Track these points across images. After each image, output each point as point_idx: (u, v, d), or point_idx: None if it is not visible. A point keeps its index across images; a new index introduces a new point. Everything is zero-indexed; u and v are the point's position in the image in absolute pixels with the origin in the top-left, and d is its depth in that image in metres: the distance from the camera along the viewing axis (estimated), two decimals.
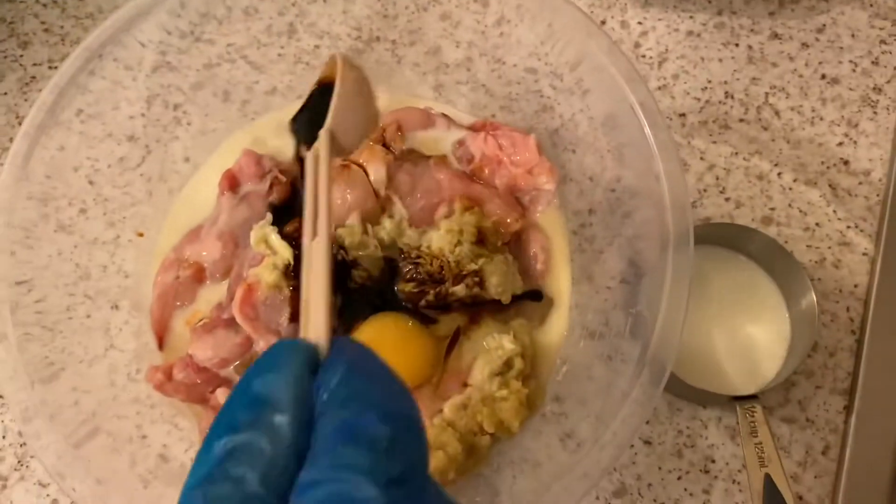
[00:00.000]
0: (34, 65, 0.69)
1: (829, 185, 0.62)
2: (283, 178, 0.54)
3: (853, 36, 0.67)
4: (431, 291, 0.48)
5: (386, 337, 0.48)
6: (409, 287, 0.49)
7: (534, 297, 0.53)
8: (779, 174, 0.62)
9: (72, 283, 0.52)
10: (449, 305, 0.49)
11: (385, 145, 0.54)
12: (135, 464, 0.47)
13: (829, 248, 0.59)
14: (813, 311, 0.53)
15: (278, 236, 0.50)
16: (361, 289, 0.49)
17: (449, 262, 0.48)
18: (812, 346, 0.54)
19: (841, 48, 0.67)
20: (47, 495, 0.55)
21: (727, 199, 0.61)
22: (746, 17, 0.68)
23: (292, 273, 0.48)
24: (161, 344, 0.53)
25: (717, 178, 0.62)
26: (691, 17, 0.68)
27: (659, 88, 0.66)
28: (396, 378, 0.26)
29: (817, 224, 0.60)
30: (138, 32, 0.53)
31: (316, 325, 0.27)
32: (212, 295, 0.54)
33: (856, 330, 0.57)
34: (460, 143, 0.56)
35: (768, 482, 0.48)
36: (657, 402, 0.55)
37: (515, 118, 0.59)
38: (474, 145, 0.55)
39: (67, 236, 0.52)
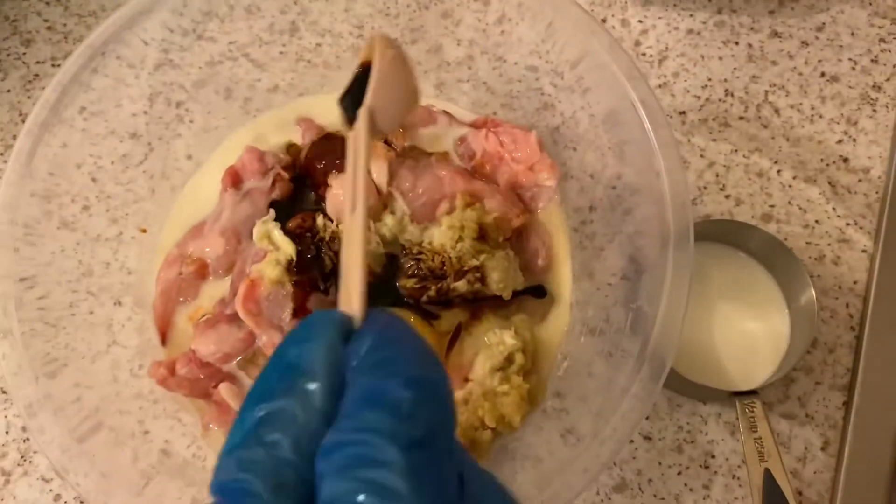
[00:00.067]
0: (37, 62, 0.69)
1: (829, 183, 0.62)
2: (286, 175, 0.55)
3: (853, 34, 0.67)
4: (433, 287, 0.49)
5: None
6: (410, 283, 0.49)
7: (537, 294, 0.53)
8: (778, 171, 0.62)
9: (75, 280, 0.52)
10: (450, 301, 0.50)
11: (387, 142, 0.54)
12: (137, 459, 0.47)
13: (829, 244, 0.60)
14: (812, 307, 0.53)
15: (281, 232, 0.50)
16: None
17: (450, 258, 0.48)
18: (811, 343, 0.54)
19: (840, 46, 0.67)
20: (50, 490, 0.55)
21: (727, 197, 0.62)
22: (746, 15, 0.68)
23: (295, 269, 0.49)
24: (164, 339, 0.54)
25: (717, 176, 0.62)
26: (691, 16, 0.69)
27: (659, 86, 0.66)
28: (425, 347, 0.26)
29: (817, 221, 0.61)
30: (141, 30, 0.53)
31: (352, 297, 0.28)
32: (214, 291, 0.54)
33: (855, 326, 0.57)
34: (462, 139, 0.56)
35: (768, 477, 0.48)
36: (657, 398, 0.56)
37: (516, 116, 0.59)
38: (476, 142, 0.56)
39: (70, 233, 0.52)
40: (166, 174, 0.58)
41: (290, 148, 0.58)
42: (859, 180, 0.62)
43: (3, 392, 0.58)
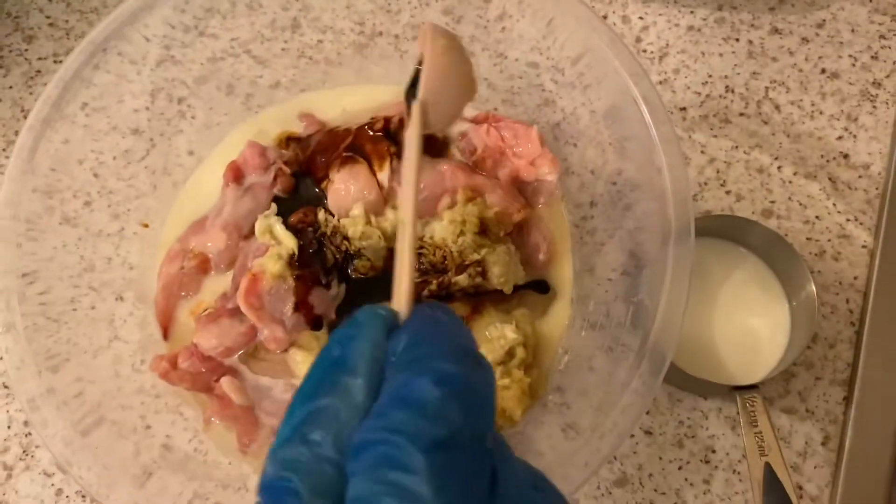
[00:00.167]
0: (39, 59, 0.69)
1: (829, 179, 0.62)
2: (287, 170, 0.55)
3: (853, 31, 0.67)
4: (434, 281, 0.49)
5: None
6: None
7: (540, 289, 0.53)
8: (779, 167, 0.62)
9: (76, 275, 0.52)
10: (452, 295, 0.50)
11: (389, 137, 0.54)
12: (139, 453, 0.47)
13: (829, 240, 0.60)
14: (813, 302, 0.53)
15: (283, 226, 0.50)
16: (365, 279, 0.50)
17: (452, 252, 0.48)
18: (812, 338, 0.54)
19: (841, 43, 0.67)
20: (52, 485, 0.55)
21: (728, 193, 0.62)
22: (747, 12, 0.68)
23: (296, 263, 0.49)
24: (166, 334, 0.54)
25: (718, 172, 0.62)
26: (692, 13, 0.69)
27: (660, 83, 0.66)
28: (464, 342, 0.26)
29: (817, 217, 0.61)
30: (142, 27, 0.53)
31: (399, 294, 0.28)
32: (216, 285, 0.54)
33: (855, 322, 0.58)
34: (463, 134, 0.57)
35: (768, 471, 0.48)
36: (657, 393, 0.56)
37: (517, 112, 0.59)
38: (477, 137, 0.56)
39: (72, 228, 0.52)
40: (168, 170, 0.59)
41: (288, 138, 0.58)
42: (859, 176, 0.62)
43: (5, 387, 0.58)
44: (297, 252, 0.49)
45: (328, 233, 0.50)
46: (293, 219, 0.51)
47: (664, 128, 0.46)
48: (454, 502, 0.21)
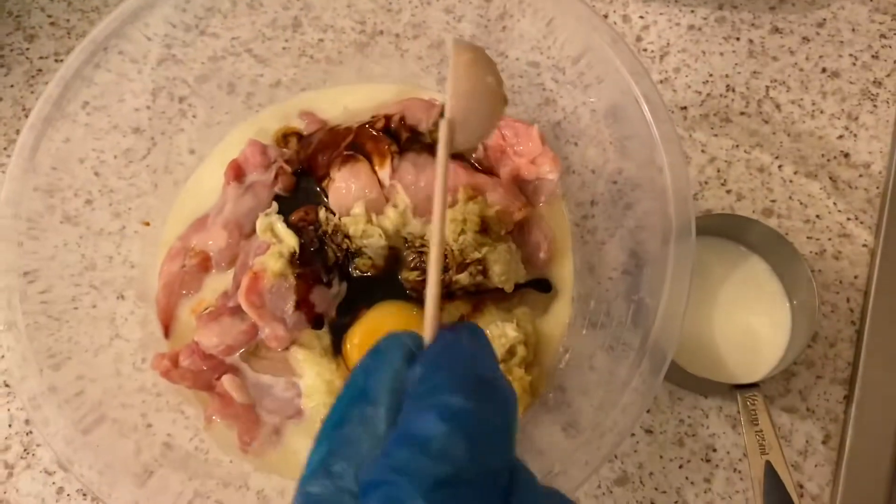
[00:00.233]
0: (40, 58, 0.69)
1: (830, 178, 0.62)
2: (288, 168, 0.55)
3: (853, 30, 0.67)
4: None
5: (390, 325, 0.49)
6: (412, 275, 0.49)
7: (541, 288, 0.53)
8: (779, 167, 0.62)
9: (78, 274, 0.52)
10: (452, 294, 0.50)
11: (390, 136, 0.54)
12: (140, 451, 0.47)
13: (830, 239, 0.60)
14: (813, 301, 0.53)
15: (284, 225, 0.50)
16: (366, 277, 0.50)
17: (452, 250, 0.48)
18: (812, 337, 0.54)
19: (841, 42, 0.67)
20: (53, 483, 0.55)
21: (728, 192, 0.62)
22: (747, 11, 0.69)
23: (297, 261, 0.49)
24: (167, 332, 0.54)
25: (719, 171, 0.62)
26: (692, 12, 0.69)
27: (660, 82, 0.66)
28: (479, 369, 0.25)
29: (818, 216, 0.61)
30: (144, 26, 0.53)
31: (426, 318, 0.28)
32: (217, 284, 0.54)
33: (856, 320, 0.58)
34: None
35: (769, 470, 0.48)
36: (658, 391, 0.56)
37: (518, 111, 0.60)
38: None
39: (73, 227, 0.52)
40: (169, 168, 0.59)
41: (287, 134, 0.58)
42: (860, 175, 0.62)
43: (6, 385, 0.58)
44: (298, 250, 0.49)
45: (329, 231, 0.51)
46: (294, 217, 0.51)
47: (665, 127, 0.46)
48: None
